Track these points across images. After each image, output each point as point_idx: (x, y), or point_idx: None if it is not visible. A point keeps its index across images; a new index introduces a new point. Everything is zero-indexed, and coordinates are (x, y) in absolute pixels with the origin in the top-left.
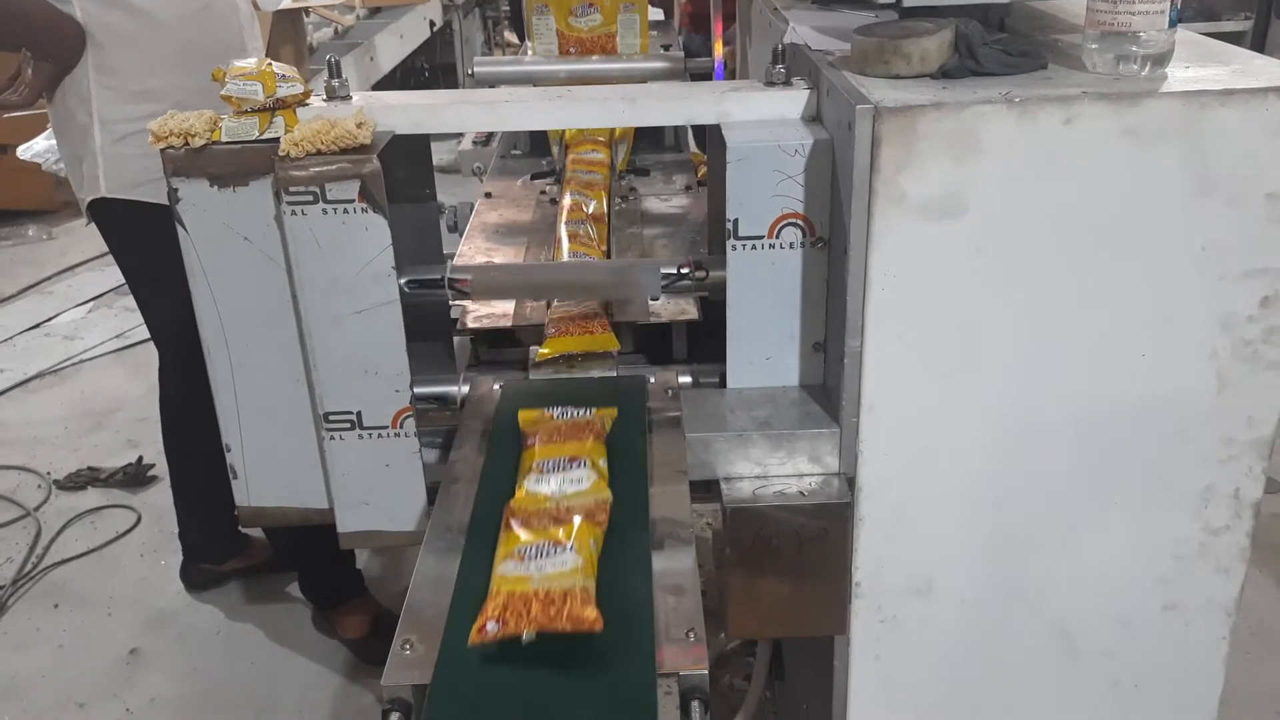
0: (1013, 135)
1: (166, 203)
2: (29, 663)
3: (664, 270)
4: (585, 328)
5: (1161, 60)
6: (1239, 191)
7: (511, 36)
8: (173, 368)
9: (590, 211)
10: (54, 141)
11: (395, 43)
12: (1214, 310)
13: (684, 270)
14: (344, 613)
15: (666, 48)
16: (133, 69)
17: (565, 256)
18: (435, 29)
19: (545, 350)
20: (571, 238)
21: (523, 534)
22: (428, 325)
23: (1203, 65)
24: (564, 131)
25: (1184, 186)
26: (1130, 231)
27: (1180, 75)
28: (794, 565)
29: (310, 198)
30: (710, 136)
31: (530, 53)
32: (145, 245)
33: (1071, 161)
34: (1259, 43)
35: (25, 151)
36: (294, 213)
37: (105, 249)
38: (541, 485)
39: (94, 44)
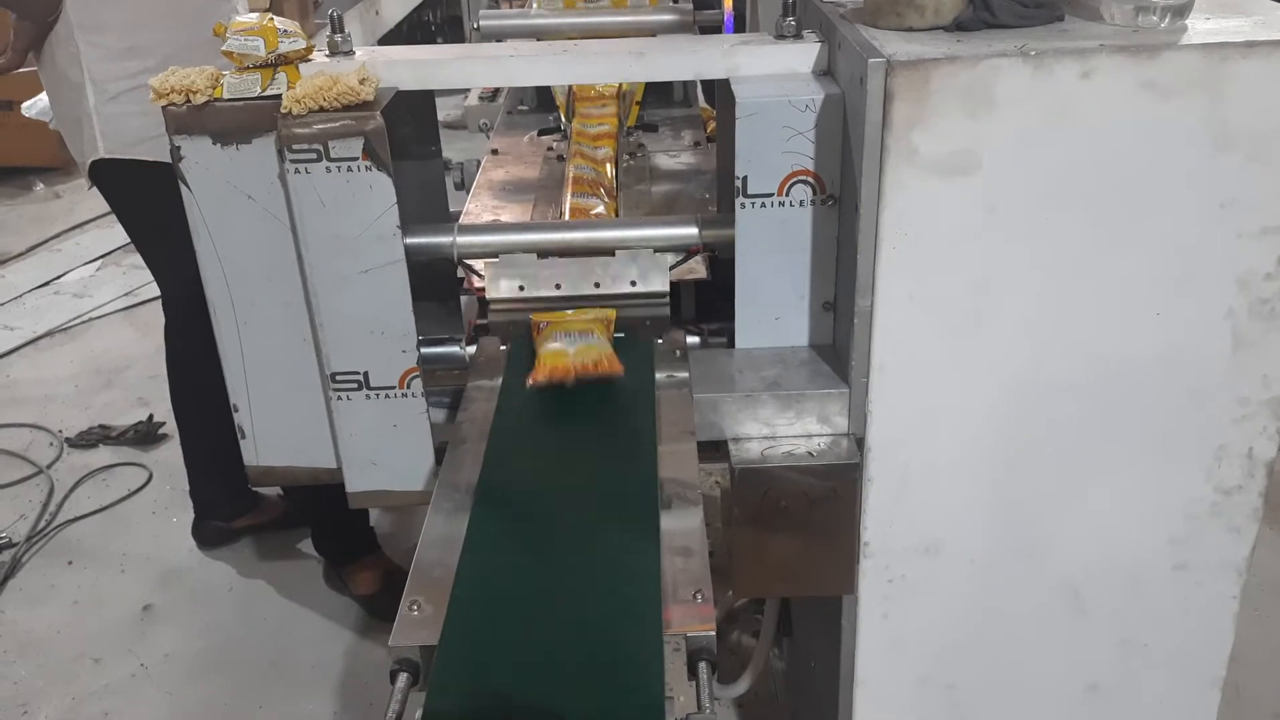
0: (1028, 89)
1: (167, 160)
2: (44, 618)
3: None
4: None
5: (1182, 11)
6: (1259, 147)
7: None
8: (181, 326)
9: (598, 167)
10: None
11: None
12: (1231, 268)
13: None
14: (356, 569)
15: None
16: (119, 25)
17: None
18: None
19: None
20: (576, 185)
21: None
22: (434, 284)
23: (1224, 16)
24: (571, 86)
25: (1203, 141)
26: (1147, 188)
27: (1201, 27)
28: (802, 525)
29: (313, 155)
30: (720, 91)
31: (535, 4)
32: (149, 204)
33: (1088, 116)
34: None
35: (30, 108)
36: (297, 171)
37: None
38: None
39: (77, 1)
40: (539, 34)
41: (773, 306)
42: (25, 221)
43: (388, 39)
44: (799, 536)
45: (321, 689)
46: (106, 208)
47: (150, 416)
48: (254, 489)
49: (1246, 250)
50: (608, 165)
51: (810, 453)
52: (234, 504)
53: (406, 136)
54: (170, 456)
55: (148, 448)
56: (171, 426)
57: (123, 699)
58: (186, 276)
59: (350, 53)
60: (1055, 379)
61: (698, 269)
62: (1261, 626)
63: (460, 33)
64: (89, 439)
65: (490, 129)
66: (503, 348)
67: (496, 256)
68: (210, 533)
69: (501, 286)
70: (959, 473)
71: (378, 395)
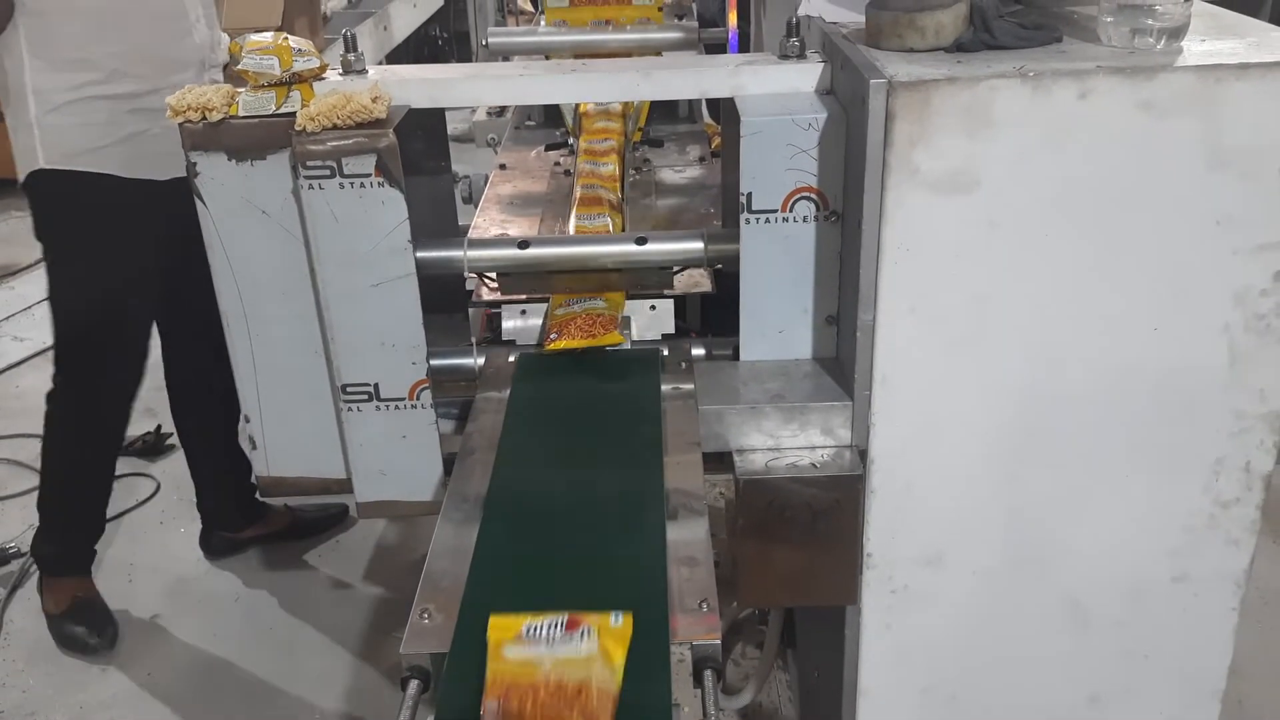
0: (1026, 109)
1: (106, 171)
2: None
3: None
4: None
5: (1177, 33)
6: (1253, 165)
7: (525, 3)
8: (74, 342)
9: (604, 183)
10: None
11: (409, 11)
12: (1227, 284)
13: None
14: (52, 587)
15: (680, 16)
16: (69, 37)
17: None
18: None
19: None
20: (584, 201)
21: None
22: (443, 297)
23: (1219, 38)
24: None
25: (1198, 160)
26: (1143, 205)
27: (1196, 49)
28: (805, 536)
29: (327, 172)
30: (724, 108)
31: (542, 11)
32: (79, 218)
33: (1085, 135)
34: (1279, 11)
35: None
36: (311, 187)
37: None
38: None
39: (28, 13)
40: (546, 51)
41: (777, 320)
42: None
43: (397, 54)
44: (802, 547)
45: (328, 698)
46: None
47: (158, 427)
48: (260, 499)
49: (1242, 266)
50: (614, 180)
51: (814, 464)
52: (240, 515)
53: (417, 152)
54: (177, 467)
55: (155, 458)
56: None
57: (130, 708)
58: (89, 295)
59: (363, 71)
60: (1054, 392)
61: (703, 282)
62: (1262, 639)
63: (467, 49)
64: None
65: (498, 144)
66: (511, 358)
67: (505, 270)
68: (217, 543)
69: None
70: (960, 484)
71: (388, 407)
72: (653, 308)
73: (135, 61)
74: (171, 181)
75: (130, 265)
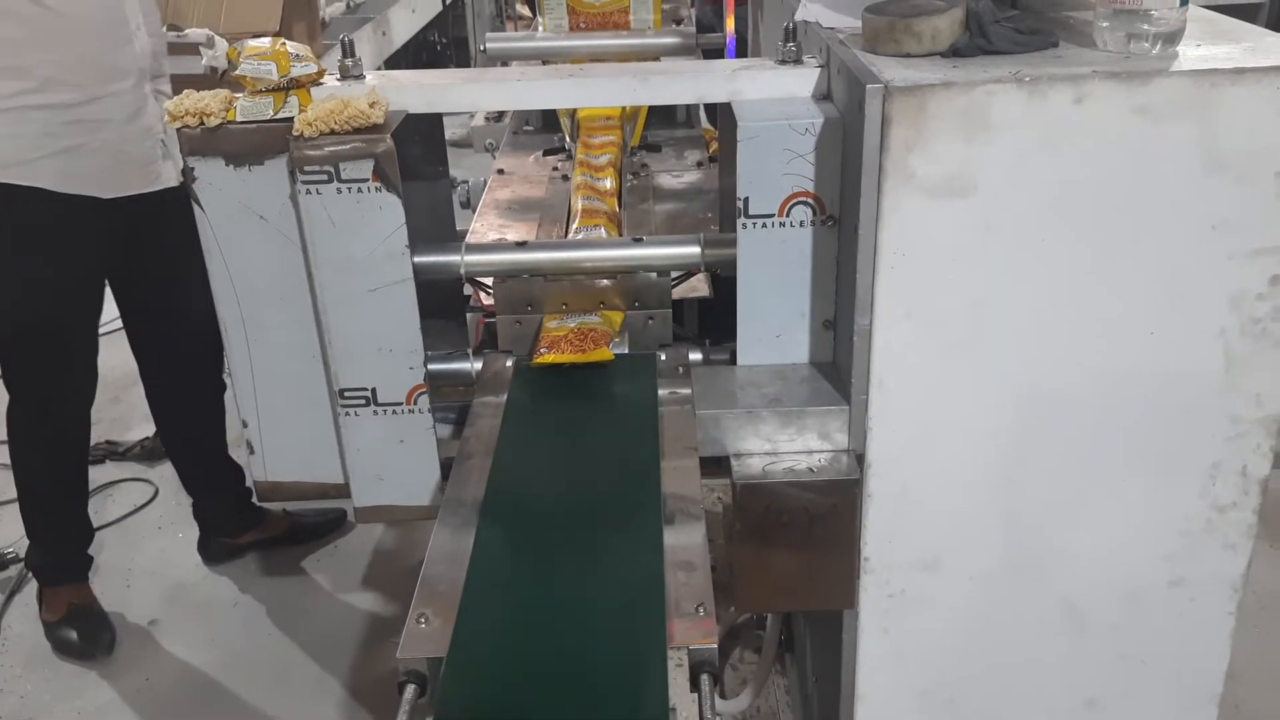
0: (1023, 114)
1: (37, 185)
2: None
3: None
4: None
5: (1173, 38)
6: (1249, 170)
7: (523, 9)
8: (9, 364)
9: (603, 189)
10: None
11: (407, 17)
12: (1223, 288)
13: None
14: (49, 595)
15: (678, 22)
16: (1, 44)
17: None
18: (447, 3)
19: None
20: (583, 213)
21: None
22: (441, 302)
23: (1214, 43)
24: (576, 108)
25: (1194, 165)
26: (1140, 210)
27: (1191, 54)
28: (803, 540)
29: (325, 177)
30: (722, 113)
31: (541, 28)
32: (6, 231)
33: (1081, 140)
34: (1276, 16)
35: None
36: (309, 192)
37: None
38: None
39: None
40: (544, 56)
41: (774, 324)
42: None
43: (395, 59)
44: (800, 552)
45: (326, 702)
46: None
47: (156, 432)
48: (258, 505)
49: (1238, 271)
50: (611, 196)
51: (811, 469)
52: (237, 520)
53: (415, 157)
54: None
55: (154, 463)
56: None
57: (127, 713)
58: (22, 310)
59: (361, 76)
60: (1052, 396)
61: (701, 287)
62: (1259, 644)
63: (466, 54)
64: (95, 454)
65: (496, 149)
66: (508, 363)
67: (503, 274)
68: (216, 548)
69: None
70: (958, 489)
71: (385, 411)
72: (650, 319)
73: (71, 70)
74: (118, 201)
75: (66, 281)
